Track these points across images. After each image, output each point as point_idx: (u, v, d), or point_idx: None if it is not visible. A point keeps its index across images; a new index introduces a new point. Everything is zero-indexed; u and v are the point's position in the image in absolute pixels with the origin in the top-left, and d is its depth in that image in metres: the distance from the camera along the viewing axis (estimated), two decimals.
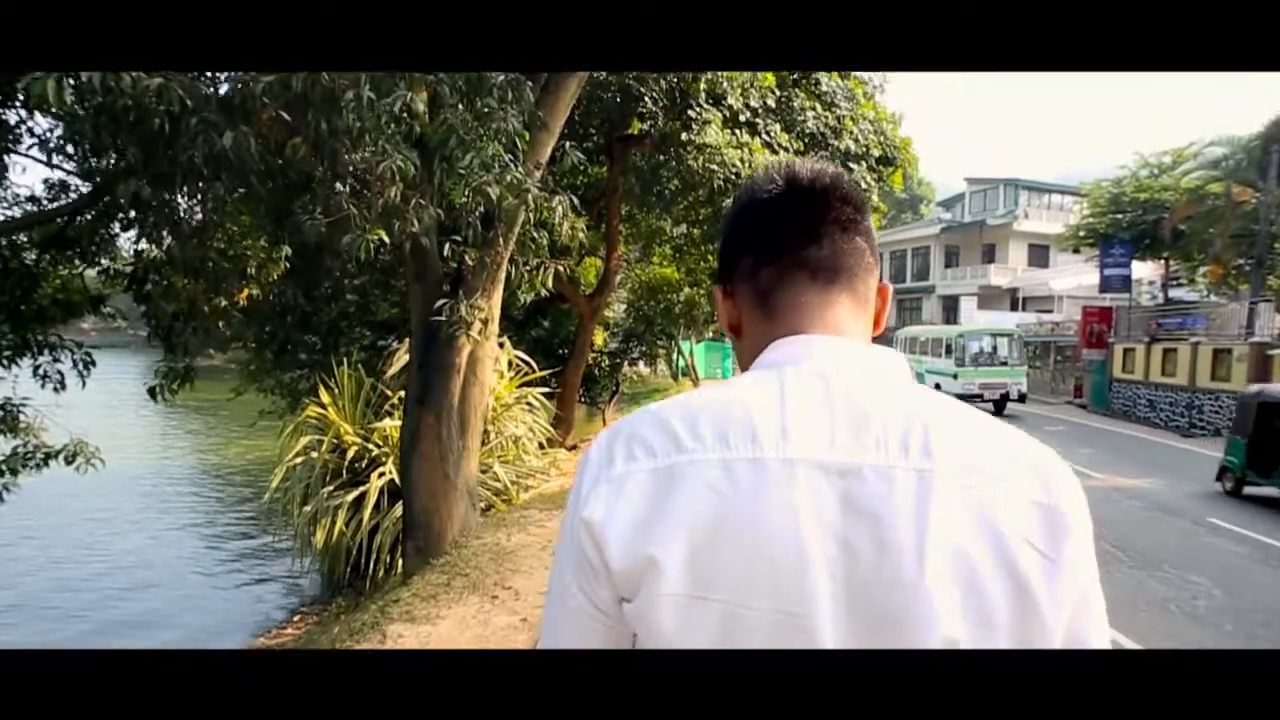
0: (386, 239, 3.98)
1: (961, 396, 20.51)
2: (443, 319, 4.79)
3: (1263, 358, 15.95)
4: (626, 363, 22.64)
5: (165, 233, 5.27)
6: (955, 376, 19.59)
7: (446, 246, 4.43)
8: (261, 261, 5.97)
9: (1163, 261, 24.89)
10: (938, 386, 19.92)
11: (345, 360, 9.67)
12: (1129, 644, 5.34)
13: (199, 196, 5.39)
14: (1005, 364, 19.98)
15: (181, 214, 5.19)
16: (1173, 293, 25.13)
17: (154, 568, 10.06)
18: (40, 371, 6.08)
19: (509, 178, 4.50)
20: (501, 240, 4.86)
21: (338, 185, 4.06)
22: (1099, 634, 0.70)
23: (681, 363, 29.86)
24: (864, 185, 12.49)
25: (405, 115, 4.23)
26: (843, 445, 0.65)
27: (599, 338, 21.80)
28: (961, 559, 0.62)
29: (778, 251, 0.79)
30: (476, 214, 4.70)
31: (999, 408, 19.20)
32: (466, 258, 4.74)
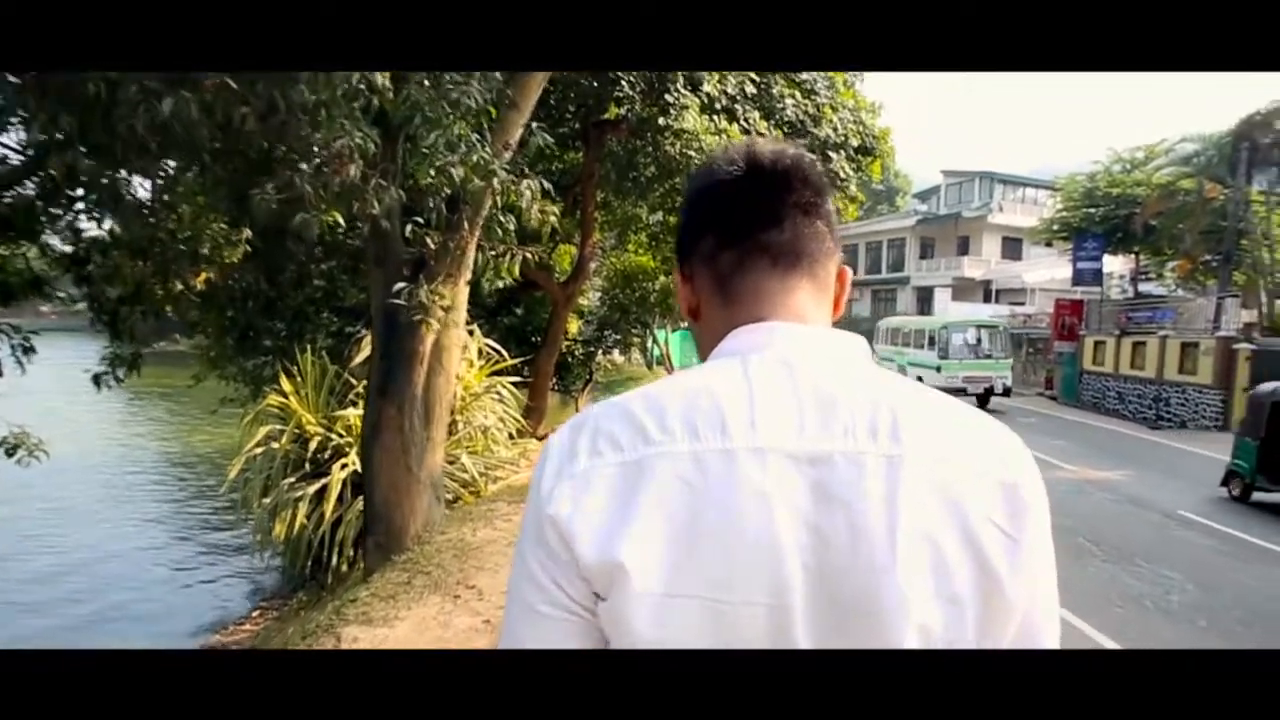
0: (342, 220, 3.74)
1: (944, 390, 21.68)
2: (402, 304, 4.55)
3: (1229, 352, 16.18)
4: (601, 351, 22.43)
5: (109, 211, 4.96)
6: (939, 369, 19.19)
7: (408, 229, 4.19)
8: (217, 243, 5.67)
9: (1133, 256, 25.16)
10: (920, 379, 19.77)
11: (310, 347, 9.36)
12: (1107, 642, 5.29)
13: (147, 173, 5.08)
14: (990, 357, 19.51)
15: (128, 191, 4.88)
16: (1142, 287, 25.44)
17: (108, 561, 9.71)
18: None
19: (475, 158, 4.27)
20: (466, 224, 4.63)
21: (299, 163, 3.80)
22: (1050, 626, 0.71)
23: (657, 351, 29.75)
24: (842, 175, 12.38)
25: (365, 89, 3.99)
26: (811, 433, 0.65)
27: (573, 326, 21.57)
28: (931, 542, 0.63)
29: (738, 235, 0.78)
30: (441, 196, 4.46)
31: (983, 402, 18.74)
32: (429, 241, 4.51)
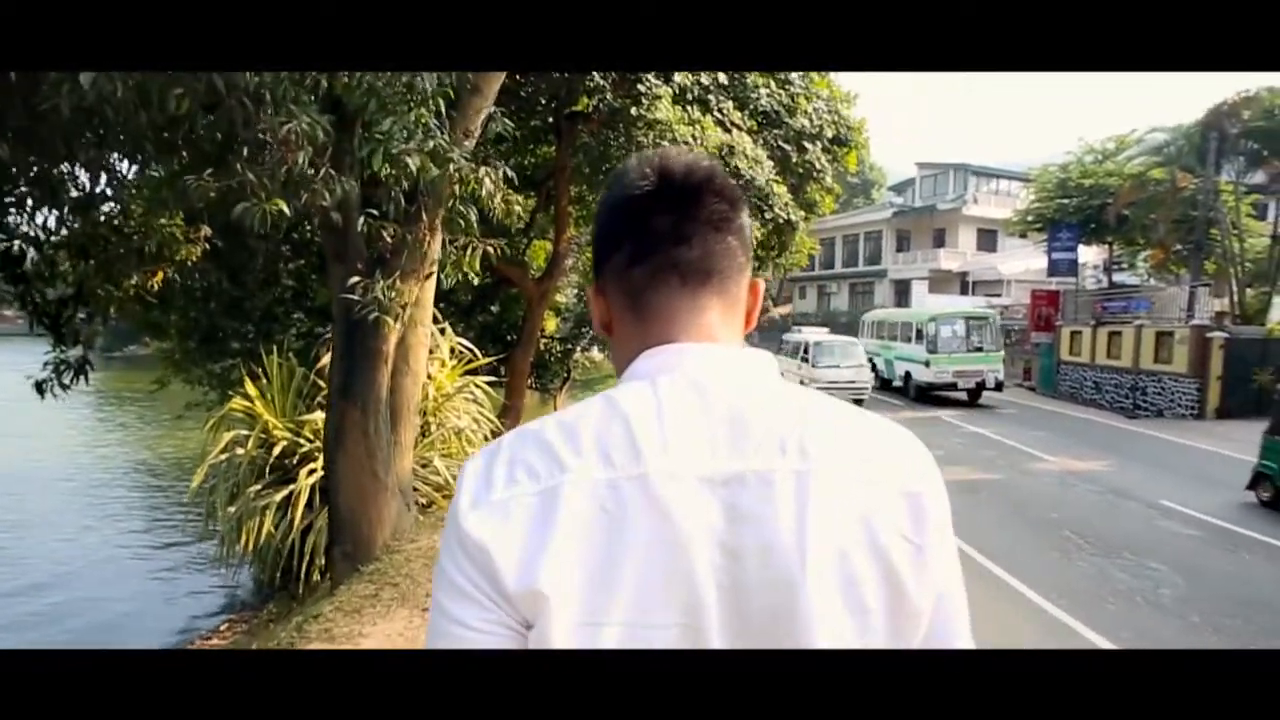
0: (287, 210, 3.48)
1: (934, 385, 19.22)
2: (355, 300, 4.29)
3: (1203, 340, 16.27)
4: (580, 349, 22.19)
5: (47, 204, 4.65)
6: (927, 364, 18.46)
7: (360, 222, 3.94)
8: (166, 241, 5.36)
9: (1107, 246, 25.34)
10: (907, 375, 19.26)
11: (278, 348, 9.04)
12: (1101, 641, 5.17)
13: (88, 165, 4.77)
14: (980, 350, 18.62)
15: (73, 184, 4.58)
16: (1116, 277, 25.63)
17: (67, 578, 9.33)
18: None
19: (433, 145, 4.02)
20: (425, 215, 4.38)
21: (241, 149, 3.53)
22: (959, 628, 0.72)
23: None
24: (818, 166, 12.25)
25: (313, 71, 3.73)
26: (723, 454, 0.66)
27: (551, 323, 21.33)
28: (840, 554, 0.64)
29: (648, 251, 0.77)
30: (399, 187, 4.21)
31: (974, 397, 18.31)
32: (385, 234, 4.25)
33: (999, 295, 29.84)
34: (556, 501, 0.65)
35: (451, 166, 3.93)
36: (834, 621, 0.64)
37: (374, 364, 5.12)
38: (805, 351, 18.31)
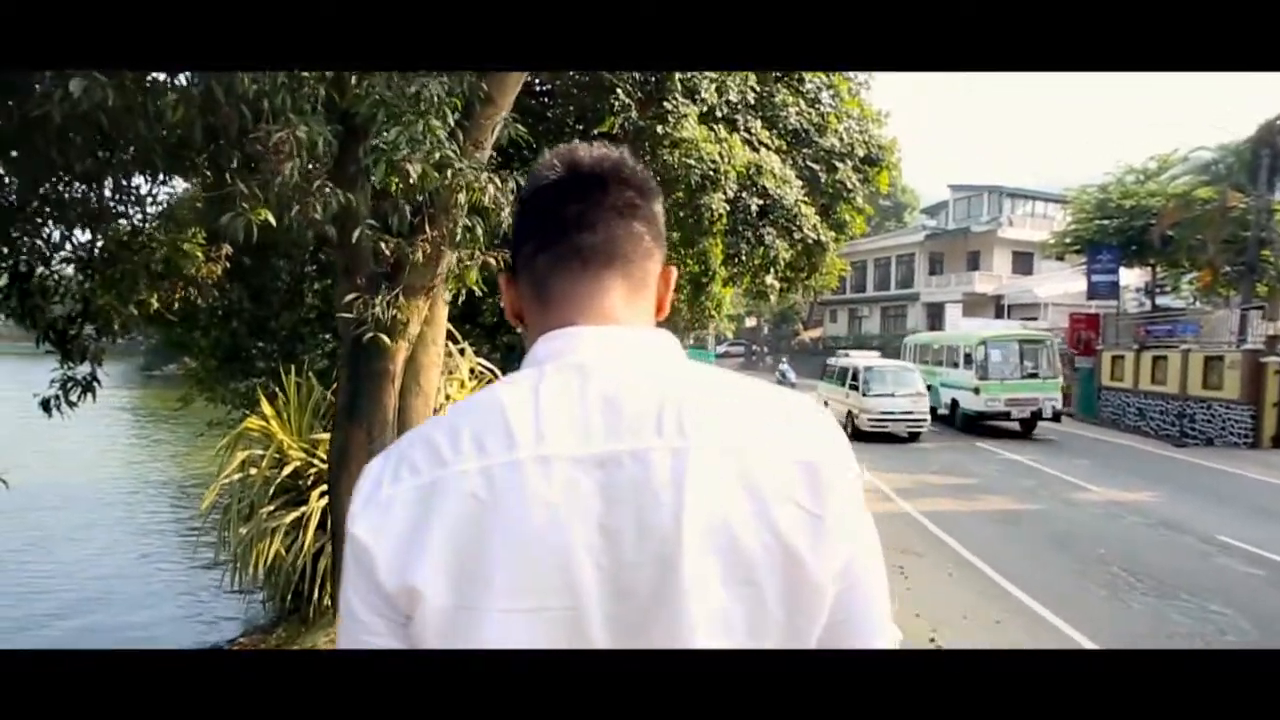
0: (273, 221, 3.30)
1: (984, 415, 17.28)
2: (349, 317, 4.10)
3: (1256, 365, 15.56)
4: None
5: (51, 218, 4.55)
6: (976, 391, 16.82)
7: (357, 234, 3.76)
8: (174, 256, 5.25)
9: (1149, 268, 24.55)
10: (954, 403, 17.62)
11: (298, 368, 8.96)
12: None
13: (89, 177, 4.68)
14: (1036, 376, 16.94)
15: (66, 197, 4.48)
16: (1158, 300, 24.82)
17: (83, 591, 9.26)
18: None
19: (438, 155, 3.84)
20: (429, 227, 4.19)
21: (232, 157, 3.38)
22: (876, 609, 0.71)
23: None
24: (849, 185, 11.94)
25: (311, 77, 3.58)
26: (597, 436, 0.66)
27: None
28: (721, 527, 0.64)
29: (553, 239, 0.78)
30: (406, 198, 4.04)
31: (1028, 428, 16.72)
32: (384, 248, 4.07)
33: (1035, 319, 29.08)
34: (433, 495, 0.66)
35: (450, 173, 3.73)
36: (716, 595, 0.64)
37: (380, 384, 4.92)
38: (854, 378, 16.46)
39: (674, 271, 0.83)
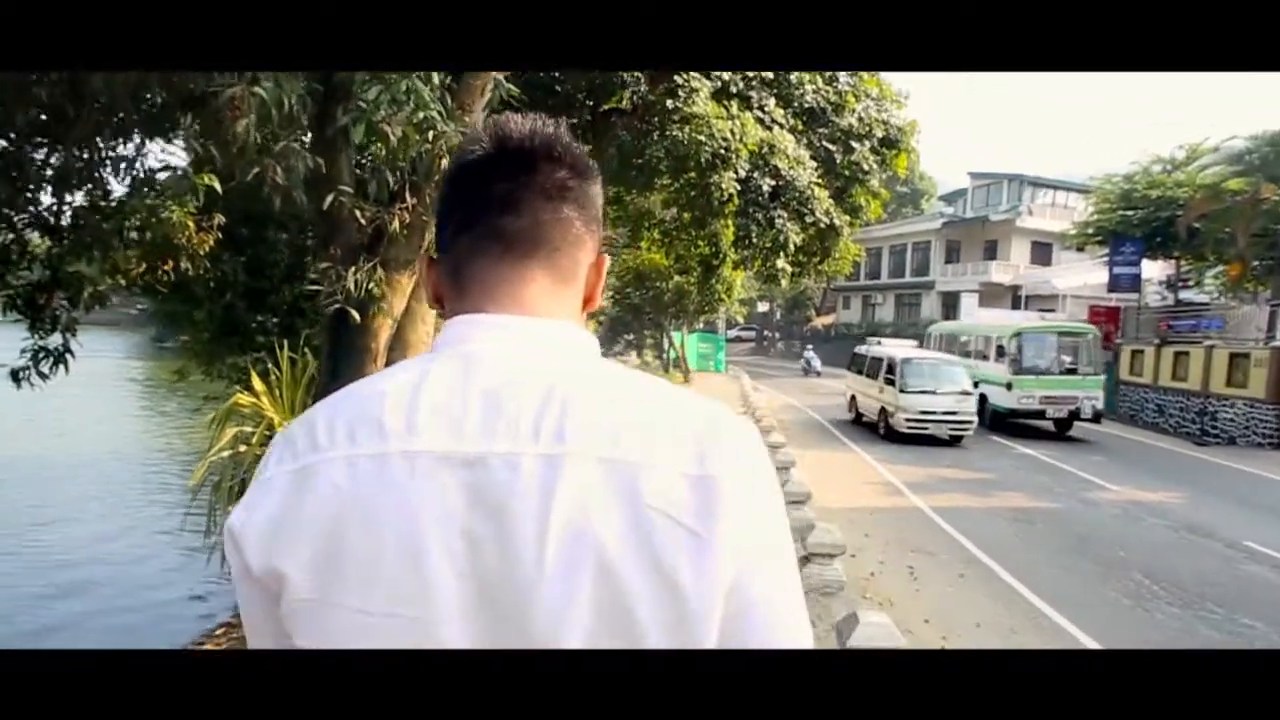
0: (217, 186, 3.00)
1: (1015, 412, 15.19)
2: (321, 289, 3.81)
3: None
4: (614, 355, 21.74)
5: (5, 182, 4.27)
6: (1009, 387, 15.36)
7: (327, 201, 3.46)
8: (147, 223, 4.96)
9: (1174, 261, 23.93)
10: (983, 399, 15.63)
11: (294, 342, 8.71)
12: None
13: (53, 136, 4.39)
14: (1075, 371, 15.70)
15: (24, 156, 4.20)
16: (1181, 294, 24.21)
17: (65, 568, 9.08)
18: None
19: (421, 115, 3.52)
20: (408, 195, 3.88)
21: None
22: (782, 642, 0.65)
23: (672, 353, 29.09)
24: (865, 167, 11.52)
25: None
26: (471, 434, 0.63)
27: (590, 327, 20.95)
28: (590, 544, 0.60)
29: (475, 220, 0.74)
30: (384, 164, 3.73)
31: (1063, 428, 15.38)
32: (359, 216, 3.76)
33: (1053, 310, 28.51)
34: (304, 480, 0.63)
35: (433, 136, 3.41)
36: (581, 617, 0.59)
37: (360, 362, 4.63)
38: (889, 371, 14.53)
39: (607, 260, 0.79)
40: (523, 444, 0.61)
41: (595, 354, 0.71)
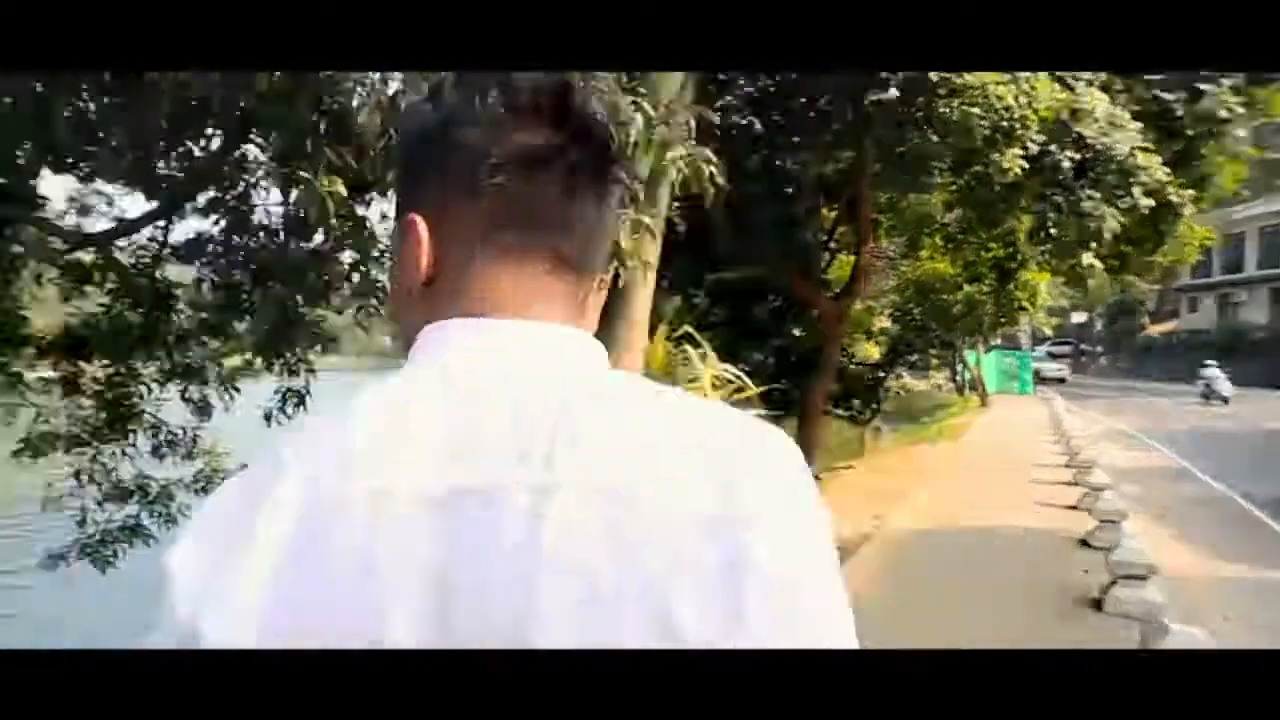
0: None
1: None
2: None
3: None
4: (894, 376, 19.81)
5: None
6: None
7: None
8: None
9: None
10: None
11: None
12: None
13: None
14: None
15: None
16: None
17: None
18: (185, 395, 5.98)
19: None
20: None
21: None
22: None
23: (966, 374, 26.06)
24: (1221, 116, 8.84)
25: None
26: (444, 465, 0.53)
27: (872, 350, 19.43)
28: (589, 598, 0.49)
29: (480, 192, 0.64)
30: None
31: None
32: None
33: None
34: (254, 511, 0.54)
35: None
36: None
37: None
38: None
39: (610, 271, 0.55)
40: (506, 473, 0.52)
41: (603, 363, 0.61)
